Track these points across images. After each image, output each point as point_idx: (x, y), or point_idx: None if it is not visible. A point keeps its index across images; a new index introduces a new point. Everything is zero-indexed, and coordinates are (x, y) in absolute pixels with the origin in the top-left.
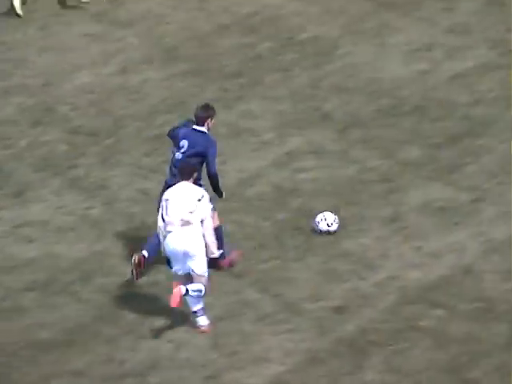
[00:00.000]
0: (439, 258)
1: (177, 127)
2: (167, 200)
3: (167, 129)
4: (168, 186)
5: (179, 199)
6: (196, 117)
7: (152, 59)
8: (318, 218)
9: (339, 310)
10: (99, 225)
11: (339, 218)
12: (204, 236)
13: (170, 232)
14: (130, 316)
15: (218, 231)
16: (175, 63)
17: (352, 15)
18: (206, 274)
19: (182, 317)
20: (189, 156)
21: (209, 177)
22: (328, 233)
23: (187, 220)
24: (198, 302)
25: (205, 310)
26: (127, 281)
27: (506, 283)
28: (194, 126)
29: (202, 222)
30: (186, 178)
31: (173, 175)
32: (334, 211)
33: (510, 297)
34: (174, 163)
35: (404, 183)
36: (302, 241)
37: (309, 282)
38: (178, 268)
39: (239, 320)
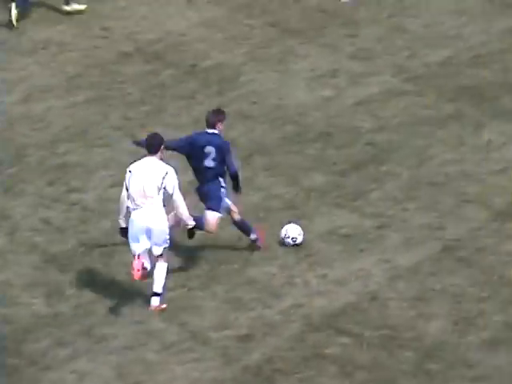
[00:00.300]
0: (344, 285)
1: (186, 137)
2: (131, 175)
3: (70, 158)
4: (199, 193)
5: (143, 175)
6: (207, 121)
7: (55, 87)
8: (282, 234)
9: (245, 338)
10: (1, 255)
11: (243, 247)
12: (176, 209)
13: (134, 209)
14: (32, 347)
15: (242, 222)
16: (78, 91)
17: (256, 42)
18: (167, 245)
19: (86, 346)
20: (220, 163)
21: (230, 176)
22: (296, 245)
23: (151, 196)
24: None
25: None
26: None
27: (411, 310)
28: (208, 130)
29: (171, 196)
30: (153, 152)
31: (201, 182)
32: (239, 239)
33: (415, 324)
34: (204, 171)
35: (309, 210)
36: (207, 269)
37: (214, 310)
38: (136, 247)
39: (144, 349)
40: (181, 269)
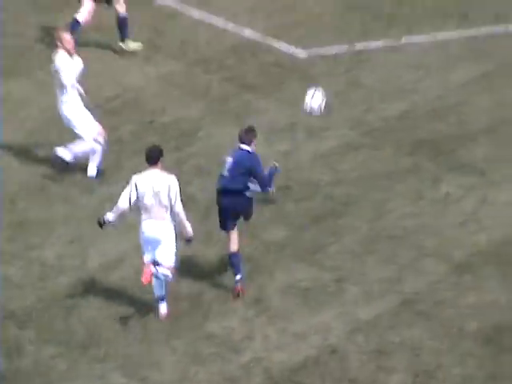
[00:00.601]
0: (304, 338)
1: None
2: (138, 187)
3: (29, 214)
4: (218, 193)
5: (152, 187)
6: (240, 138)
7: (13, 143)
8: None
9: None
10: None
11: (202, 301)
12: (178, 218)
13: (145, 220)
14: None
15: (236, 257)
16: (37, 147)
17: (213, 97)
18: (173, 265)
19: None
20: (234, 175)
21: (261, 188)
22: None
23: (163, 207)
24: (162, 288)
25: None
26: None
27: (371, 363)
28: (240, 145)
29: (173, 206)
30: (153, 163)
31: (218, 192)
32: (198, 293)
33: (376, 377)
34: (219, 180)
35: (268, 264)
36: (167, 323)
37: (174, 365)
38: (148, 256)
39: None
40: (140, 323)
